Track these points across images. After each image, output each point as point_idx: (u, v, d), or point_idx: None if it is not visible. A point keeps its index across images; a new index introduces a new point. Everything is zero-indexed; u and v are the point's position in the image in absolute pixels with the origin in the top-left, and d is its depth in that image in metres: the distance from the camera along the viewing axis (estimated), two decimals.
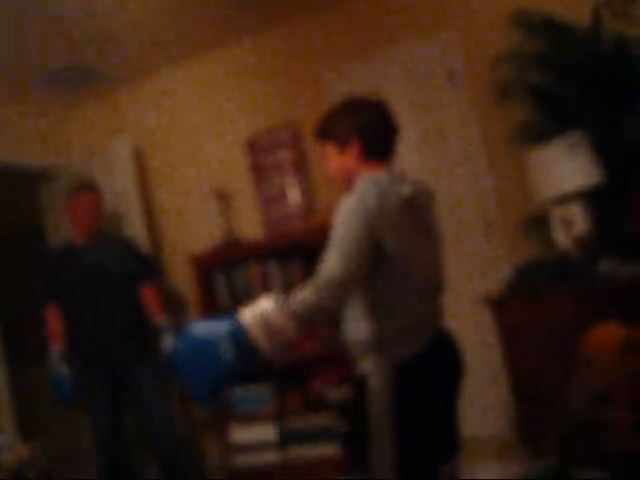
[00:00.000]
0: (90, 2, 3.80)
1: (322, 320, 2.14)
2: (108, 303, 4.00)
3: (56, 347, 3.96)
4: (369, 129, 2.24)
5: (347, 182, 2.28)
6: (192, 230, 5.08)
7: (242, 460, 4.52)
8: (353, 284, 2.02)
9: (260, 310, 1.96)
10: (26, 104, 5.08)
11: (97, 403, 3.99)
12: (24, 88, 4.82)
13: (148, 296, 4.18)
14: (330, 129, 2.31)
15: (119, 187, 4.96)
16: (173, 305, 4.84)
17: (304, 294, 1.94)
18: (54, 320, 4.03)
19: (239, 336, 1.92)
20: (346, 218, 2.02)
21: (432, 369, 2.16)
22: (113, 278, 4.05)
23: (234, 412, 4.58)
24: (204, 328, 1.95)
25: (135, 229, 4.86)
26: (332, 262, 1.96)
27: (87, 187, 4.24)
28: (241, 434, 4.52)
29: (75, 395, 3.89)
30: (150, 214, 5.16)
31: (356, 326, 2.16)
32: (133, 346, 4.08)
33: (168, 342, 4.05)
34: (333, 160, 2.32)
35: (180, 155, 5.15)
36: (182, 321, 4.93)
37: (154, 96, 5.23)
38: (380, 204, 2.05)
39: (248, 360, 1.94)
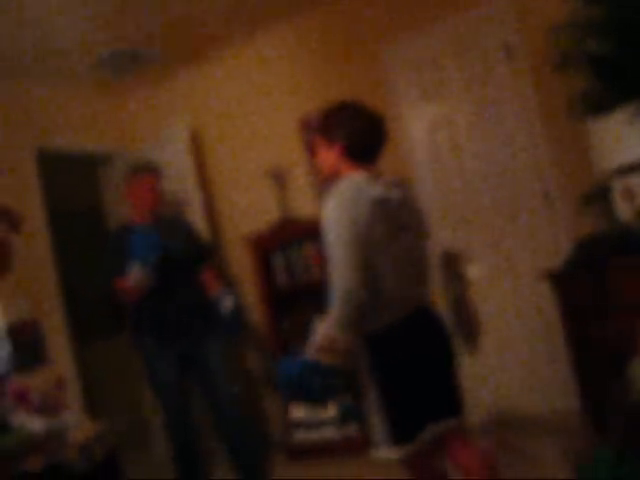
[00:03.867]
0: None
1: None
2: (168, 283, 3.93)
3: None
4: (355, 135, 2.53)
5: (329, 176, 2.61)
6: (249, 210, 5.11)
7: (302, 436, 4.57)
8: (364, 287, 2.34)
9: (316, 339, 2.40)
10: (84, 90, 5.17)
11: (165, 383, 3.98)
12: (81, 74, 4.91)
13: (206, 278, 4.19)
14: (323, 125, 2.62)
15: (176, 169, 5.01)
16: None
17: (335, 314, 2.33)
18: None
19: (316, 368, 2.40)
20: (337, 231, 2.36)
21: (407, 338, 2.44)
22: (173, 258, 3.99)
23: None
24: (291, 369, 2.49)
25: (193, 210, 4.92)
26: (344, 280, 2.32)
27: (147, 168, 4.17)
28: (301, 411, 4.57)
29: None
30: (208, 195, 5.21)
31: None
32: (197, 323, 4.02)
33: (228, 303, 4.03)
34: (320, 153, 2.64)
35: (236, 136, 5.18)
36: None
37: (209, 78, 5.26)
38: (356, 205, 2.36)
39: (331, 379, 2.43)
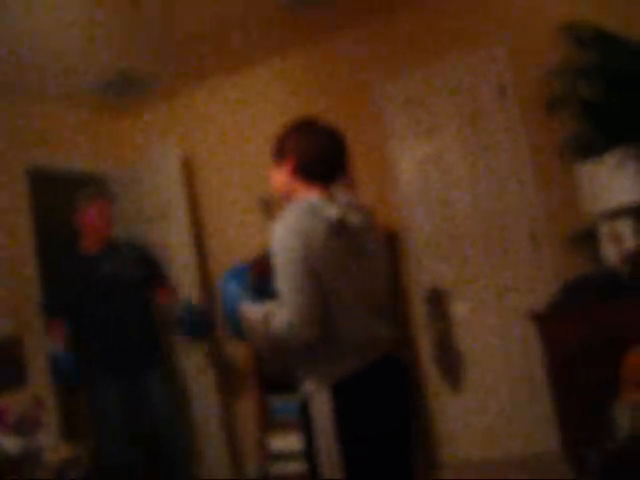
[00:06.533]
0: (138, 14, 3.88)
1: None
2: (120, 311, 4.06)
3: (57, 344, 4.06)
4: (307, 150, 2.24)
5: (285, 198, 2.30)
6: (238, 238, 5.10)
7: (281, 468, 4.52)
8: (317, 322, 2.02)
9: (252, 313, 2.15)
10: (78, 113, 5.18)
11: (108, 406, 4.03)
12: (76, 97, 4.93)
13: (163, 298, 4.32)
14: (275, 144, 2.33)
15: (167, 195, 5.02)
16: None
17: (278, 329, 2.01)
18: (58, 331, 4.12)
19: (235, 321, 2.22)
20: (285, 255, 2.06)
21: (375, 390, 2.09)
22: (126, 286, 4.12)
23: (273, 420, 4.58)
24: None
25: (182, 236, 4.91)
26: (289, 311, 2.00)
27: (99, 194, 4.29)
28: (280, 442, 4.52)
29: (77, 373, 3.96)
30: (197, 222, 5.21)
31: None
32: (145, 351, 4.16)
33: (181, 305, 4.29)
34: (272, 174, 2.34)
35: (227, 163, 5.19)
36: None
37: (203, 105, 5.29)
38: (309, 227, 2.06)
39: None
